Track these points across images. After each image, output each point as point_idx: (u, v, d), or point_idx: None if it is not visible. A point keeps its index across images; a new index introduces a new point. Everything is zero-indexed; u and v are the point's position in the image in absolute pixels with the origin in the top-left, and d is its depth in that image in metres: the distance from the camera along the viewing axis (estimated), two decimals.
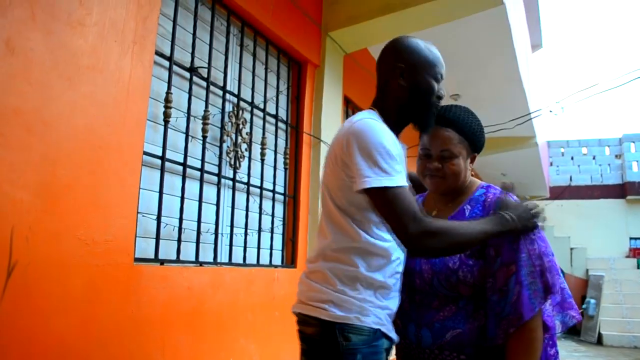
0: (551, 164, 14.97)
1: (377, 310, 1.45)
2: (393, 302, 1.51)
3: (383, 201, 1.38)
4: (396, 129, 1.59)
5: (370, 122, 1.46)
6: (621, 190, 14.06)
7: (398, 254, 1.50)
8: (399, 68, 1.56)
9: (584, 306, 12.12)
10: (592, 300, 11.84)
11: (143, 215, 2.45)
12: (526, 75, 6.06)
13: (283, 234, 3.70)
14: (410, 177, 1.65)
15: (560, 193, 14.41)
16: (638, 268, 12.48)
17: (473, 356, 1.51)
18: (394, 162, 1.40)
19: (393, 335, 1.49)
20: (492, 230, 1.44)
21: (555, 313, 1.58)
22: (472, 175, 1.72)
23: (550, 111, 5.47)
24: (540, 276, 1.48)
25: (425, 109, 1.57)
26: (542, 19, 9.04)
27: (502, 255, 1.51)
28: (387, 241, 1.47)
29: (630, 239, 13.65)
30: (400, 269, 1.54)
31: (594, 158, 14.99)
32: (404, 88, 1.56)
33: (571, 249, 13.44)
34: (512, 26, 4.68)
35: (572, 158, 15.18)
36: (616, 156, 14.65)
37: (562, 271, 12.90)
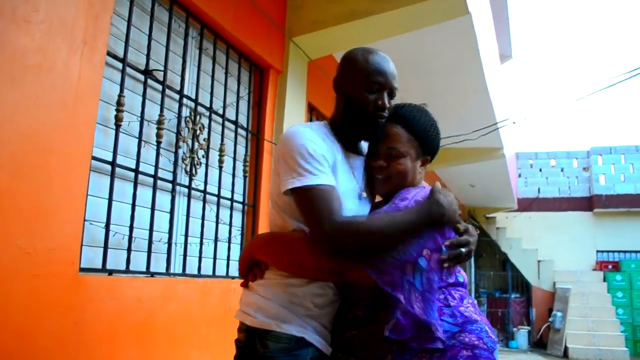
0: (519, 176, 15.30)
1: (304, 318, 1.45)
2: (326, 311, 1.51)
3: (301, 200, 1.41)
4: (350, 140, 1.62)
5: (298, 127, 1.52)
6: (589, 203, 14.46)
7: None
8: (335, 81, 1.61)
9: (550, 319, 12.39)
10: (559, 313, 12.12)
11: (90, 223, 2.41)
12: (493, 86, 6.19)
13: (241, 245, 3.68)
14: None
15: (528, 205, 14.74)
16: (604, 281, 12.84)
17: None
18: (315, 162, 1.42)
19: (321, 344, 1.47)
20: (419, 220, 1.39)
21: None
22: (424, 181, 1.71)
23: (514, 122, 5.62)
24: None
25: (360, 121, 1.57)
26: (512, 30, 9.26)
27: None
28: None
29: (597, 251, 14.03)
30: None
31: (562, 170, 15.38)
32: (340, 101, 1.61)
33: (539, 261, 13.74)
34: (479, 36, 4.79)
35: (540, 170, 15.54)
36: (584, 169, 15.06)
37: (529, 284, 13.14)
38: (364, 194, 1.61)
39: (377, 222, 1.37)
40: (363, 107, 1.56)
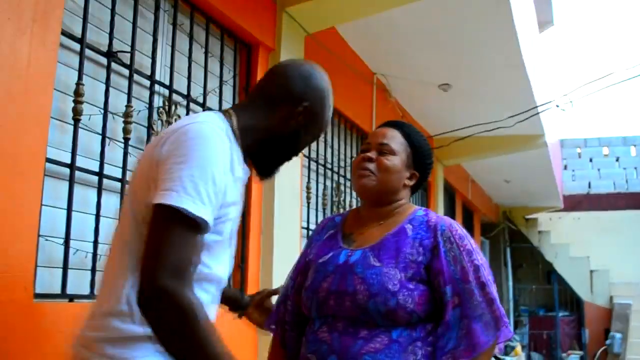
0: (565, 168, 15.30)
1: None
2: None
3: (164, 224, 1.34)
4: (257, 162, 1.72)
5: (213, 133, 1.46)
6: None
7: None
8: (290, 95, 1.65)
9: (607, 342, 12.38)
10: (618, 335, 12.12)
11: (46, 239, 2.42)
12: (531, 60, 6.18)
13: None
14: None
15: (576, 203, 14.72)
16: None
17: None
18: (212, 190, 1.39)
19: None
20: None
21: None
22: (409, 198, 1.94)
23: (557, 106, 5.60)
24: (489, 306, 1.67)
25: (287, 155, 1.73)
26: None
27: (450, 285, 1.68)
28: None
29: None
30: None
31: (617, 160, 15.37)
32: (279, 124, 1.65)
33: (591, 271, 13.74)
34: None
35: (590, 160, 15.54)
36: None
37: (580, 300, 13.09)
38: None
39: (201, 326, 1.33)
40: (301, 149, 1.74)
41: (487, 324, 1.64)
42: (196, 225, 1.35)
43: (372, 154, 1.83)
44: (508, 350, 9.35)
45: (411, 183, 1.88)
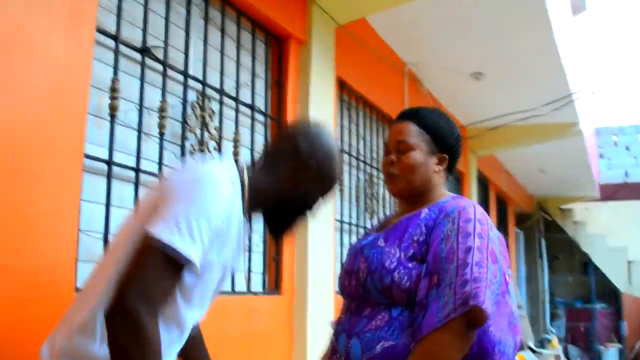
0: (601, 157, 15.04)
1: None
2: None
3: (146, 253, 1.39)
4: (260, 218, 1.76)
5: (224, 181, 1.52)
6: None
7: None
8: (300, 155, 1.70)
9: None
10: None
11: (86, 234, 2.46)
12: (565, 46, 6.08)
13: (264, 253, 3.71)
14: None
15: (613, 192, 14.47)
16: None
17: None
18: (205, 232, 1.43)
19: None
20: None
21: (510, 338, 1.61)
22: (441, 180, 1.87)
23: (593, 92, 5.51)
24: (461, 286, 1.51)
25: (293, 217, 1.77)
26: None
27: (428, 262, 1.61)
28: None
29: None
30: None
31: None
32: (292, 185, 1.71)
33: (629, 262, 13.49)
34: None
35: (627, 148, 15.26)
36: None
37: (618, 291, 12.90)
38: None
39: (150, 357, 1.37)
40: (312, 207, 1.78)
41: (444, 305, 1.50)
42: (180, 262, 1.40)
43: (393, 156, 1.84)
44: (545, 343, 9.23)
45: (442, 167, 1.85)
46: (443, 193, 1.85)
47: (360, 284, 1.71)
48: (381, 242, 1.74)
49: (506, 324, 1.57)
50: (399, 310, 1.64)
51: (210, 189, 1.47)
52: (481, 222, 1.64)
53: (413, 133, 1.82)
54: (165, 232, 1.37)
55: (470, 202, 1.73)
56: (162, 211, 1.42)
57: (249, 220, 1.71)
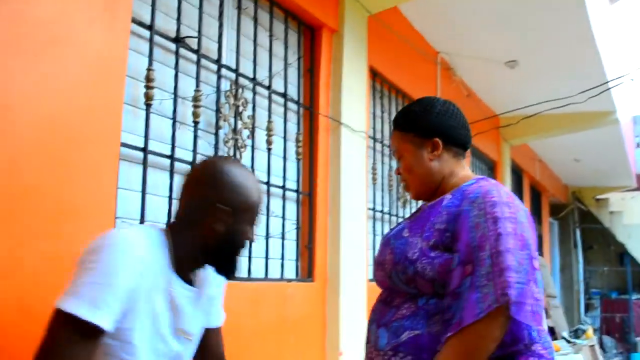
0: (638, 146, 14.72)
1: None
2: None
3: (52, 326, 1.40)
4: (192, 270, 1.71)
5: (132, 239, 1.53)
6: None
7: None
8: (202, 197, 1.66)
9: None
10: None
11: (122, 221, 2.49)
12: (602, 34, 5.97)
13: (297, 240, 3.72)
14: None
15: None
16: None
17: None
18: (111, 295, 1.42)
19: None
20: None
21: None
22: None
23: (632, 79, 5.39)
24: (499, 276, 1.49)
25: (228, 255, 1.72)
26: None
27: (460, 251, 1.58)
28: None
29: None
30: None
31: None
32: (203, 228, 1.65)
33: None
34: None
35: None
36: None
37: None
38: (185, 334, 1.67)
39: None
40: (243, 239, 1.71)
41: (485, 296, 1.48)
42: (89, 330, 1.39)
43: (397, 169, 1.91)
44: (579, 334, 9.12)
45: (438, 152, 1.80)
46: (464, 175, 1.81)
47: (387, 275, 1.73)
48: (405, 233, 1.74)
49: (530, 313, 1.53)
50: (424, 299, 1.64)
51: (116, 254, 1.47)
52: (508, 205, 1.60)
53: (398, 140, 1.86)
54: (68, 303, 1.39)
55: (493, 184, 1.69)
56: (70, 282, 1.45)
57: (186, 275, 1.68)
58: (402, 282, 1.67)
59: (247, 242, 1.73)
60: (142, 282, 1.50)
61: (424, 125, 1.81)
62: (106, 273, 1.44)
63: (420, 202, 1.94)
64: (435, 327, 1.59)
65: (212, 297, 1.83)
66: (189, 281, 1.69)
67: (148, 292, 1.53)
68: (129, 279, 1.46)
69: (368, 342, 1.77)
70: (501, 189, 1.66)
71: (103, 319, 1.40)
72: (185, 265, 1.66)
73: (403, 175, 1.87)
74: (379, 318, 1.74)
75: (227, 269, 1.74)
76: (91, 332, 1.40)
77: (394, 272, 1.69)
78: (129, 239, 1.53)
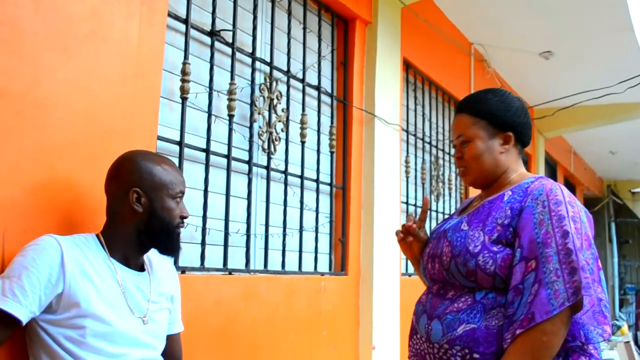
0: None
1: None
2: None
3: None
4: (134, 255, 1.84)
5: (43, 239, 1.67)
6: None
7: None
8: (120, 185, 1.79)
9: None
10: None
11: None
12: None
13: (330, 234, 3.71)
14: None
15: None
16: None
17: (487, 357, 1.57)
18: (29, 286, 1.56)
19: None
20: None
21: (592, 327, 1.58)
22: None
23: None
24: (570, 275, 1.51)
25: (161, 236, 1.82)
26: None
27: (523, 247, 1.59)
28: None
29: None
30: None
31: None
32: (130, 213, 1.78)
33: None
34: None
35: None
36: None
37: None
38: (141, 315, 1.78)
39: None
40: (172, 217, 1.81)
41: (555, 293, 1.50)
42: (5, 319, 1.53)
43: (458, 152, 1.86)
44: (614, 330, 8.98)
45: (510, 145, 1.82)
46: (523, 173, 1.83)
47: (444, 268, 1.73)
48: (464, 226, 1.74)
49: (590, 312, 1.55)
50: (482, 293, 1.64)
51: (35, 250, 1.62)
52: (572, 205, 1.63)
53: (468, 124, 1.82)
54: None
55: (555, 183, 1.70)
56: None
57: (132, 262, 1.82)
58: (462, 275, 1.67)
59: (180, 219, 1.84)
60: (66, 270, 1.62)
61: (502, 117, 1.81)
62: (21, 267, 1.59)
63: (470, 195, 1.95)
64: (493, 321, 1.60)
65: (172, 295, 1.96)
66: (138, 267, 1.84)
67: (83, 278, 1.65)
68: (44, 271, 1.59)
69: (415, 333, 1.77)
70: (563, 188, 1.68)
71: (17, 307, 1.53)
72: (127, 252, 1.80)
73: (466, 160, 1.83)
74: (430, 310, 1.74)
75: (168, 248, 1.84)
76: (9, 320, 1.53)
77: (452, 264, 1.69)
78: (49, 239, 1.67)
